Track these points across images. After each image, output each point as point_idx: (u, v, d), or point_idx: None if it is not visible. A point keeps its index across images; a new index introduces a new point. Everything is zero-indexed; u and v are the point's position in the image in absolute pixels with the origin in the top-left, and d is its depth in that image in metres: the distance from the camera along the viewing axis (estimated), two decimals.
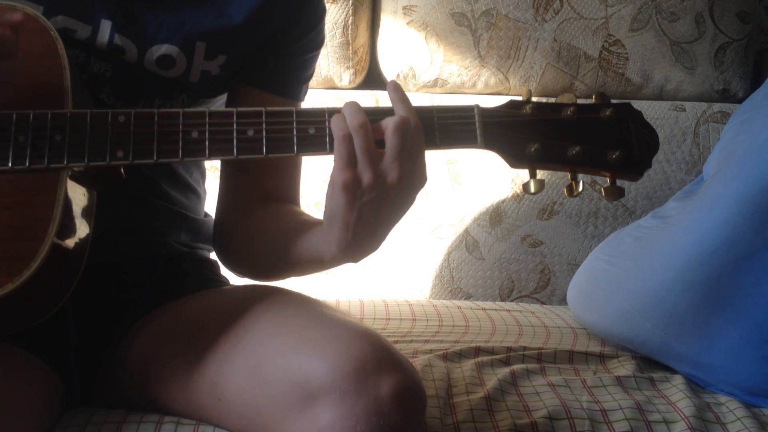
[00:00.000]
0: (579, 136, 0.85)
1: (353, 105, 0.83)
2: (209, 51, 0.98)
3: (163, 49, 0.96)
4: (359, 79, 1.70)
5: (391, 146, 0.81)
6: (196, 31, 0.97)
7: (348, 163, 0.81)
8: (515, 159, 0.86)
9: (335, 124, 0.82)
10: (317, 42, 1.06)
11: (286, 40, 1.02)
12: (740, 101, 1.57)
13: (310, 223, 0.93)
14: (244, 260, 1.03)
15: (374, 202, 0.82)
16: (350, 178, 0.81)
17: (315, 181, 1.57)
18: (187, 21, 0.96)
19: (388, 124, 0.82)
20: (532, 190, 0.86)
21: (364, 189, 0.81)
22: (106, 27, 0.94)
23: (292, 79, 1.05)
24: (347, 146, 0.81)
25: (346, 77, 1.67)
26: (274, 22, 1.00)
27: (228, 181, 1.06)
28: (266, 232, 0.98)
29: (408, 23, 1.63)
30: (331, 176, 0.82)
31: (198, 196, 1.13)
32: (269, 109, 0.85)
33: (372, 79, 1.72)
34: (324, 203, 0.85)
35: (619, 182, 0.87)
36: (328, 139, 0.84)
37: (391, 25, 1.65)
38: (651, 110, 1.66)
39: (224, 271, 1.14)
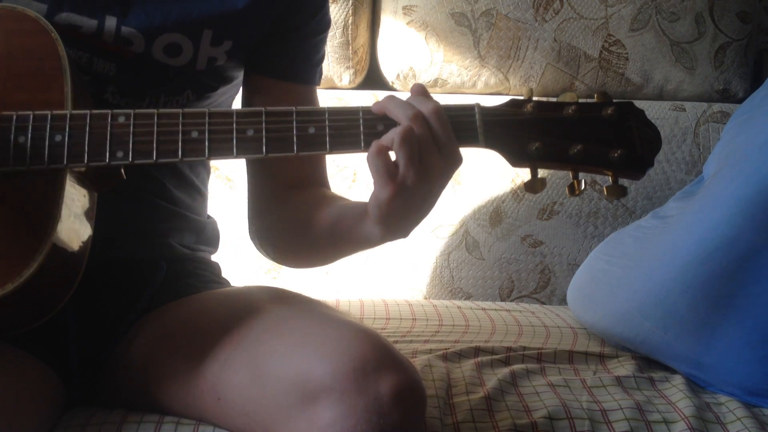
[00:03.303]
0: (581, 135, 0.85)
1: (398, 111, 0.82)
2: (216, 37, 0.98)
3: (171, 37, 0.96)
4: (359, 79, 1.70)
5: (406, 153, 0.81)
6: (202, 18, 0.97)
7: (386, 174, 0.81)
8: (516, 158, 0.85)
9: (373, 164, 0.81)
10: (324, 24, 1.06)
11: (293, 24, 1.02)
12: (740, 101, 1.57)
13: (351, 208, 0.92)
14: (288, 249, 1.03)
15: (417, 193, 0.82)
16: (393, 183, 0.81)
17: None
18: (194, 8, 0.96)
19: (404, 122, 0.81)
20: (534, 189, 0.86)
21: (410, 187, 0.81)
22: (111, 20, 0.94)
23: (304, 64, 1.05)
24: (387, 173, 0.81)
25: (346, 77, 1.67)
26: (279, 5, 1.00)
27: (256, 174, 1.06)
28: (309, 221, 0.98)
29: (408, 23, 1.63)
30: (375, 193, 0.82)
31: (203, 196, 1.13)
32: (269, 108, 0.85)
33: (372, 79, 1.72)
34: None
35: (620, 181, 0.86)
36: (327, 138, 0.84)
37: (391, 25, 1.65)
38: (651, 110, 1.66)
39: (225, 273, 1.14)
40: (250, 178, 1.07)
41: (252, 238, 1.07)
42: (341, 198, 1.01)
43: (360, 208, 0.89)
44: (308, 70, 1.06)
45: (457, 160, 0.84)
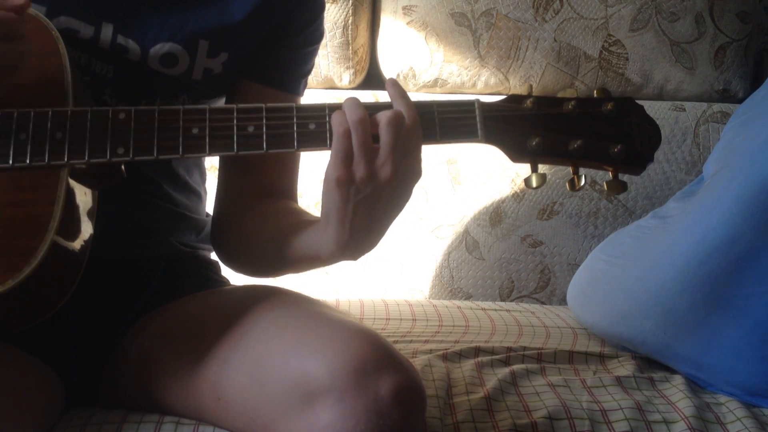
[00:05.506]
0: (580, 130, 0.85)
1: (353, 100, 0.83)
2: (212, 49, 0.98)
3: (167, 47, 0.96)
4: (359, 79, 1.70)
5: (385, 141, 0.81)
6: (199, 30, 0.97)
7: (344, 159, 0.80)
8: (516, 153, 0.86)
9: (335, 120, 0.81)
10: (317, 36, 1.06)
11: (287, 34, 1.02)
12: (740, 101, 1.57)
13: (306, 222, 0.92)
14: (242, 258, 1.03)
15: (369, 199, 0.82)
16: (344, 173, 0.80)
17: (314, 181, 1.56)
18: (190, 20, 0.97)
19: (381, 118, 0.82)
20: (534, 184, 0.86)
21: (358, 184, 0.80)
22: (108, 28, 0.94)
23: (291, 74, 1.05)
24: (345, 142, 0.80)
25: (346, 77, 1.67)
26: (275, 17, 1.01)
27: (226, 177, 1.06)
28: (264, 229, 0.98)
29: (408, 23, 1.63)
30: (326, 172, 0.81)
31: (199, 197, 1.13)
32: (269, 105, 0.85)
33: (372, 79, 1.72)
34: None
35: (620, 176, 0.86)
36: (328, 135, 0.84)
37: (391, 25, 1.65)
38: (651, 110, 1.66)
39: (225, 272, 1.14)
40: (220, 182, 1.07)
41: (211, 241, 1.08)
42: (304, 212, 1.01)
43: (316, 220, 0.89)
44: (294, 80, 1.06)
45: (412, 172, 0.83)
